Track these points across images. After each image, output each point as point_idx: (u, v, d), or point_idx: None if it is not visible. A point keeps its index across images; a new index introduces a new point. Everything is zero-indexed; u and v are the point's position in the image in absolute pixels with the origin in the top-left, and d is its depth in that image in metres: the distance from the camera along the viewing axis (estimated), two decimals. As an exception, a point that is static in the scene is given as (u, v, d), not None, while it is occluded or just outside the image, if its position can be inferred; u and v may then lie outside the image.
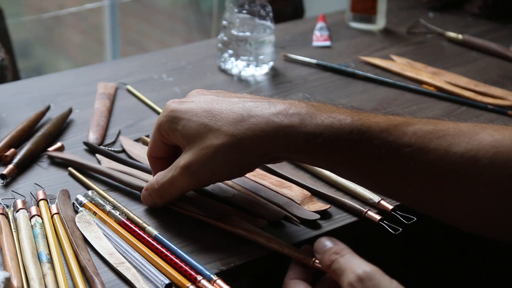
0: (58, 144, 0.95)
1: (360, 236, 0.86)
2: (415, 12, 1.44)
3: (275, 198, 0.86)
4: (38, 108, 1.02)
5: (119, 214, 0.81)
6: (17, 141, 0.94)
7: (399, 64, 1.22)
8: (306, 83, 1.16)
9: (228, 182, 0.88)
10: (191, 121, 0.78)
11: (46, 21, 2.50)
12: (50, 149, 0.94)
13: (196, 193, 0.86)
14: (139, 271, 0.74)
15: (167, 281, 0.73)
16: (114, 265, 0.75)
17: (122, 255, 0.76)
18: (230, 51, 1.16)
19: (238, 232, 0.79)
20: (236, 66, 1.17)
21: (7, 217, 0.81)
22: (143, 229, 0.80)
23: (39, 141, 0.94)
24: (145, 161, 0.92)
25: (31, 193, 0.86)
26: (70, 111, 1.02)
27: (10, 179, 0.89)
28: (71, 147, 0.96)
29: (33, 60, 2.61)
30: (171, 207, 0.83)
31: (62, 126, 1.00)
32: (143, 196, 0.83)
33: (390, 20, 1.38)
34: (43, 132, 0.96)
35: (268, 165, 0.92)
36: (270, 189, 0.88)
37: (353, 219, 0.84)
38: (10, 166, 0.89)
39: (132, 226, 0.80)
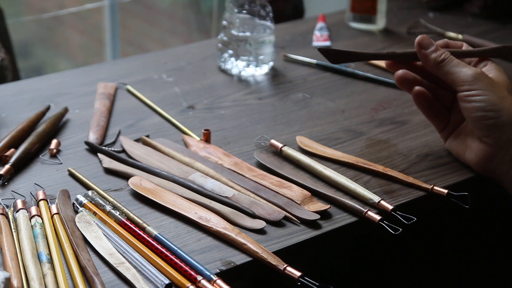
0: (55, 141, 0.96)
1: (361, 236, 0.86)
2: (415, 12, 1.44)
3: (275, 198, 0.86)
4: (38, 108, 1.02)
5: (119, 214, 0.81)
6: (17, 141, 0.94)
7: (399, 64, 1.21)
8: (306, 83, 1.16)
9: (228, 182, 0.88)
10: None
11: (46, 21, 2.50)
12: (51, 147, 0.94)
13: (196, 193, 0.86)
14: (139, 271, 0.74)
15: (167, 281, 0.73)
16: (114, 265, 0.75)
17: (122, 255, 0.76)
18: (230, 51, 1.16)
19: (219, 232, 0.80)
20: (236, 66, 1.17)
21: (7, 217, 0.81)
22: (143, 229, 0.80)
23: (35, 140, 0.94)
24: (145, 161, 0.92)
25: (31, 193, 0.86)
26: (65, 110, 1.02)
27: (8, 179, 0.89)
28: (71, 147, 0.96)
29: (33, 60, 2.61)
30: (171, 208, 0.83)
31: (58, 126, 1.00)
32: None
33: (390, 20, 1.38)
34: (39, 131, 0.96)
35: (268, 165, 0.92)
36: (270, 189, 0.88)
37: (353, 219, 0.84)
38: (7, 166, 0.89)
39: (132, 226, 0.80)
